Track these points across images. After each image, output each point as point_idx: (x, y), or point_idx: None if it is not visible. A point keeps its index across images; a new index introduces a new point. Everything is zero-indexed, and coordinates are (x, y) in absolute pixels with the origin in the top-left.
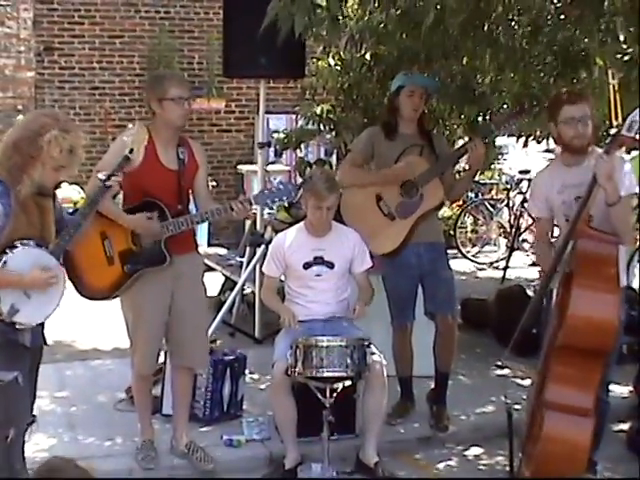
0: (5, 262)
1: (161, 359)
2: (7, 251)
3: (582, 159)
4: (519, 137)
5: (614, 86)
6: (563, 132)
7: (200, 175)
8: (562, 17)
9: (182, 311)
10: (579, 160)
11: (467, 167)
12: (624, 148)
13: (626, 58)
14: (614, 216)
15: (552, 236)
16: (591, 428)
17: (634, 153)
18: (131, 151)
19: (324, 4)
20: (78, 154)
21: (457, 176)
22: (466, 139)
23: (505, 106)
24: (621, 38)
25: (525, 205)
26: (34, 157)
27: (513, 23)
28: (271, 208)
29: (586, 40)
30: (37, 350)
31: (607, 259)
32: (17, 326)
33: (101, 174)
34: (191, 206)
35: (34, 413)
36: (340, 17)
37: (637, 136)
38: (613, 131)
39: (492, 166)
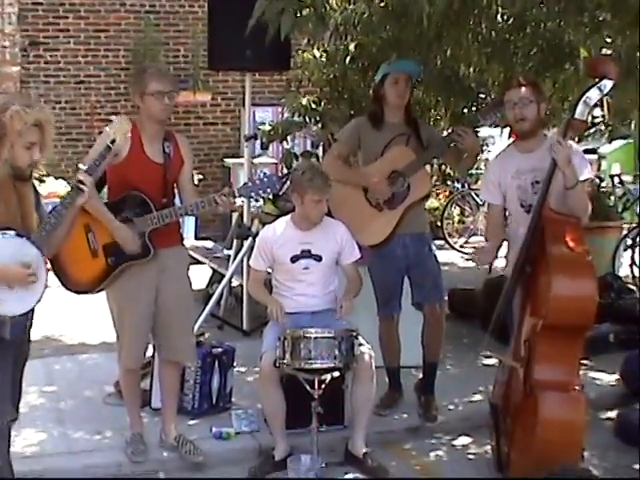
0: None
1: (149, 353)
2: None
3: (535, 145)
4: (504, 127)
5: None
6: (507, 115)
7: (185, 169)
8: (546, 9)
9: (168, 305)
10: (532, 146)
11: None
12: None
13: (610, 51)
14: (573, 199)
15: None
16: (584, 403)
17: (619, 142)
18: (113, 141)
19: (309, 1)
20: (47, 130)
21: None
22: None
23: (491, 97)
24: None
25: None
26: (1, 137)
27: (497, 15)
28: (256, 200)
29: (571, 32)
30: (19, 344)
31: (577, 239)
32: None
33: (82, 165)
34: (176, 200)
35: (19, 410)
36: (324, 11)
37: (586, 119)
38: (597, 120)
39: (478, 157)
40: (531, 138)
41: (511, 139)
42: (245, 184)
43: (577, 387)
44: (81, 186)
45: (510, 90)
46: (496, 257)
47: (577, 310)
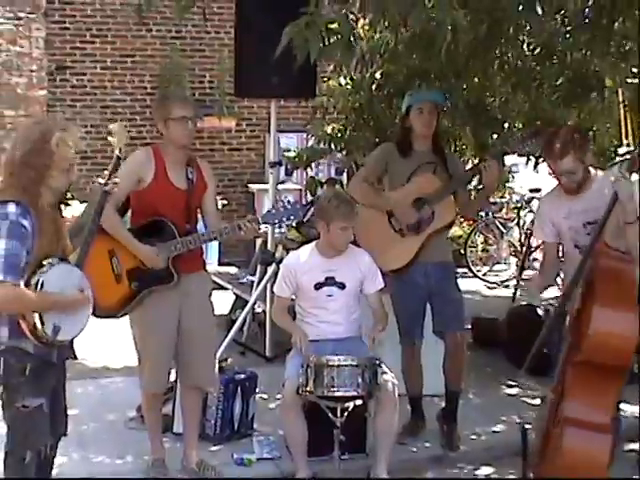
0: (42, 284)
1: (172, 377)
2: (37, 271)
3: (584, 187)
4: (528, 159)
5: (624, 106)
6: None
7: (209, 194)
8: (572, 39)
9: (190, 330)
10: (581, 190)
11: (481, 187)
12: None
13: (636, 80)
14: (631, 235)
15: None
16: (609, 444)
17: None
18: (120, 150)
19: (337, 28)
20: (78, 150)
21: (471, 195)
22: (476, 160)
23: (515, 127)
24: (633, 62)
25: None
26: (48, 165)
27: (524, 45)
28: (280, 227)
29: (597, 62)
30: (62, 367)
31: (627, 277)
32: (58, 344)
33: (101, 179)
34: (200, 225)
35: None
36: (352, 39)
37: None
38: (622, 150)
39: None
40: (575, 192)
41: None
42: (269, 211)
43: (606, 426)
44: (106, 188)
45: (554, 162)
46: (518, 286)
47: (614, 349)
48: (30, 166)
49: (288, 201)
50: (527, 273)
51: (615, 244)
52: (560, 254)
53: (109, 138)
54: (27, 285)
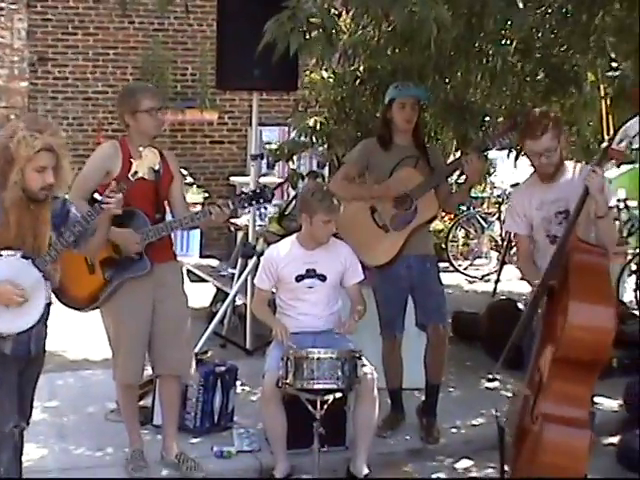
0: None
1: (152, 370)
2: None
3: (558, 175)
4: (510, 151)
5: (605, 100)
6: (529, 159)
7: (175, 185)
8: (553, 35)
9: (164, 319)
10: (555, 177)
11: (463, 180)
12: (613, 161)
13: (616, 74)
14: (602, 228)
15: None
16: (589, 439)
17: (625, 167)
18: (135, 174)
19: (319, 21)
20: (61, 153)
21: (453, 188)
22: (458, 154)
23: (497, 122)
24: (611, 55)
25: None
26: (9, 161)
27: (505, 40)
28: (249, 211)
29: (577, 57)
30: (23, 360)
31: (601, 271)
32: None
33: (98, 196)
34: (168, 217)
35: (29, 423)
36: (334, 34)
37: (626, 150)
38: (604, 145)
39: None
40: (550, 178)
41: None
42: (238, 195)
43: (585, 421)
44: (104, 205)
45: (531, 141)
46: (498, 280)
47: (592, 345)
48: None
49: (257, 186)
50: (508, 268)
51: (586, 237)
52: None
53: (133, 161)
54: None
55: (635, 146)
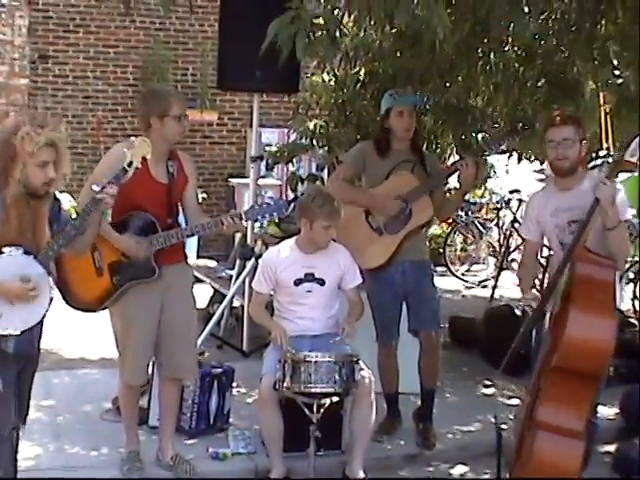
0: None
1: (149, 370)
2: None
3: (574, 183)
4: (510, 154)
5: (605, 109)
6: (547, 153)
7: (189, 188)
8: (555, 41)
9: (172, 322)
10: (571, 184)
11: (458, 186)
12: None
13: (619, 81)
14: (612, 240)
15: (541, 256)
16: (582, 451)
17: (624, 175)
18: (130, 164)
19: (322, 23)
20: (61, 148)
21: (448, 194)
22: (457, 157)
23: (496, 125)
24: (614, 63)
25: (515, 225)
26: (12, 158)
27: (507, 47)
28: (262, 224)
29: (579, 65)
30: (23, 358)
31: (605, 283)
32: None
33: (95, 186)
34: (180, 219)
35: (26, 422)
36: (337, 35)
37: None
38: (602, 153)
39: (483, 185)
40: (570, 176)
41: (506, 160)
42: (252, 207)
43: (578, 432)
44: (98, 196)
45: (552, 128)
46: (496, 286)
47: (590, 356)
48: None
49: (271, 197)
50: (505, 274)
51: (595, 248)
52: (539, 257)
53: (124, 149)
54: None
55: None
